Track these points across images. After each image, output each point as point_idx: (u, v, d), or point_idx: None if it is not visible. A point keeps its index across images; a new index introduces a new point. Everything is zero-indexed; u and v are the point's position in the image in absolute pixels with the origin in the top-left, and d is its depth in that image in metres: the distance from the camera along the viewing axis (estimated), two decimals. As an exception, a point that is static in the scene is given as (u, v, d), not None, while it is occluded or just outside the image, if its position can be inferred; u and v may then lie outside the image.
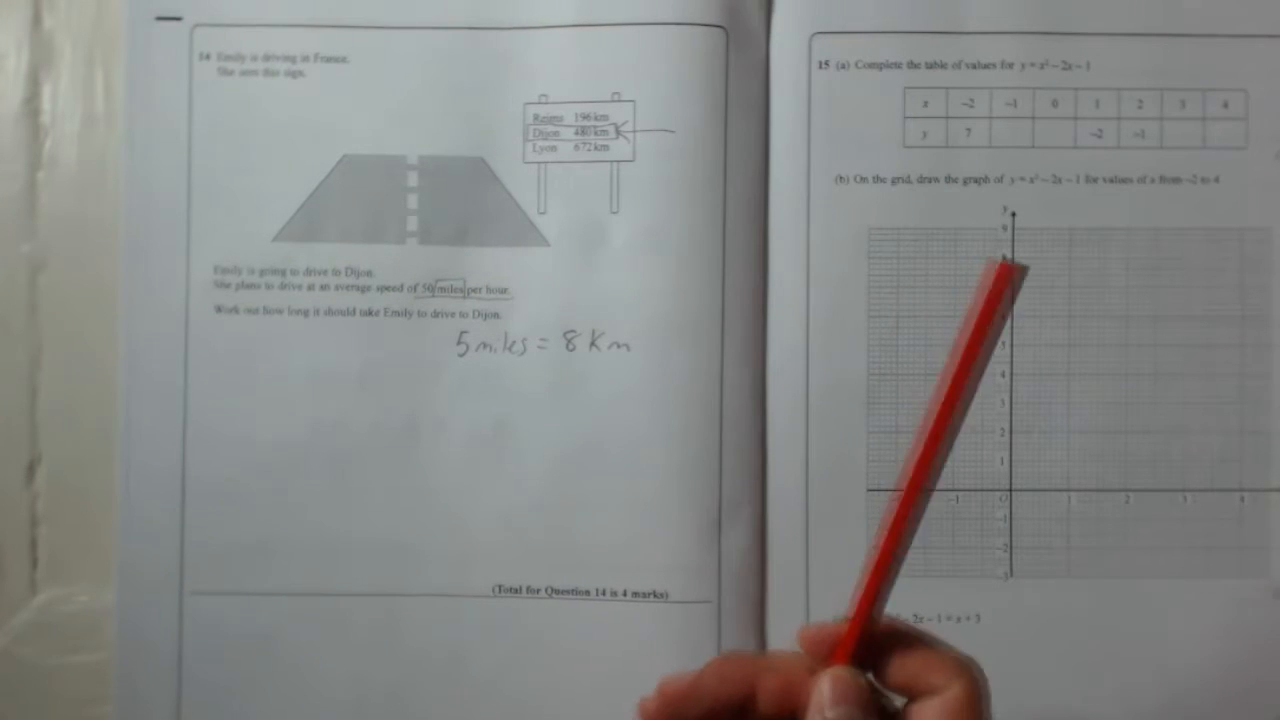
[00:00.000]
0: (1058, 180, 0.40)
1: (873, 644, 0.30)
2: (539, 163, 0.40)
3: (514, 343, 0.40)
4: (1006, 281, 0.30)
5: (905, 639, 0.30)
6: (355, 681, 0.39)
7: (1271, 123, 0.40)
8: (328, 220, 0.40)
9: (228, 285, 0.40)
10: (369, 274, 0.40)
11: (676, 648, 0.39)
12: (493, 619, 0.40)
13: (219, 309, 0.40)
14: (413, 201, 0.40)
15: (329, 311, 0.40)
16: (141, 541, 0.40)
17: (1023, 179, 0.40)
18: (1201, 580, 0.40)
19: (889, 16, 0.40)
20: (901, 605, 0.40)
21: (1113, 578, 0.40)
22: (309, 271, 0.40)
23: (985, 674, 0.29)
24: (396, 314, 0.40)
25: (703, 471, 0.39)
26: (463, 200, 0.40)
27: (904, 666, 0.30)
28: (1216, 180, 0.40)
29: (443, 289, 0.40)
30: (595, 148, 0.40)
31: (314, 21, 0.40)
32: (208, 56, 0.40)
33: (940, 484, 0.40)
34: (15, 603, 0.41)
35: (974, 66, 0.40)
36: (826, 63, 0.40)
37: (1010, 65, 0.40)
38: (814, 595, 0.40)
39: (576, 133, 0.40)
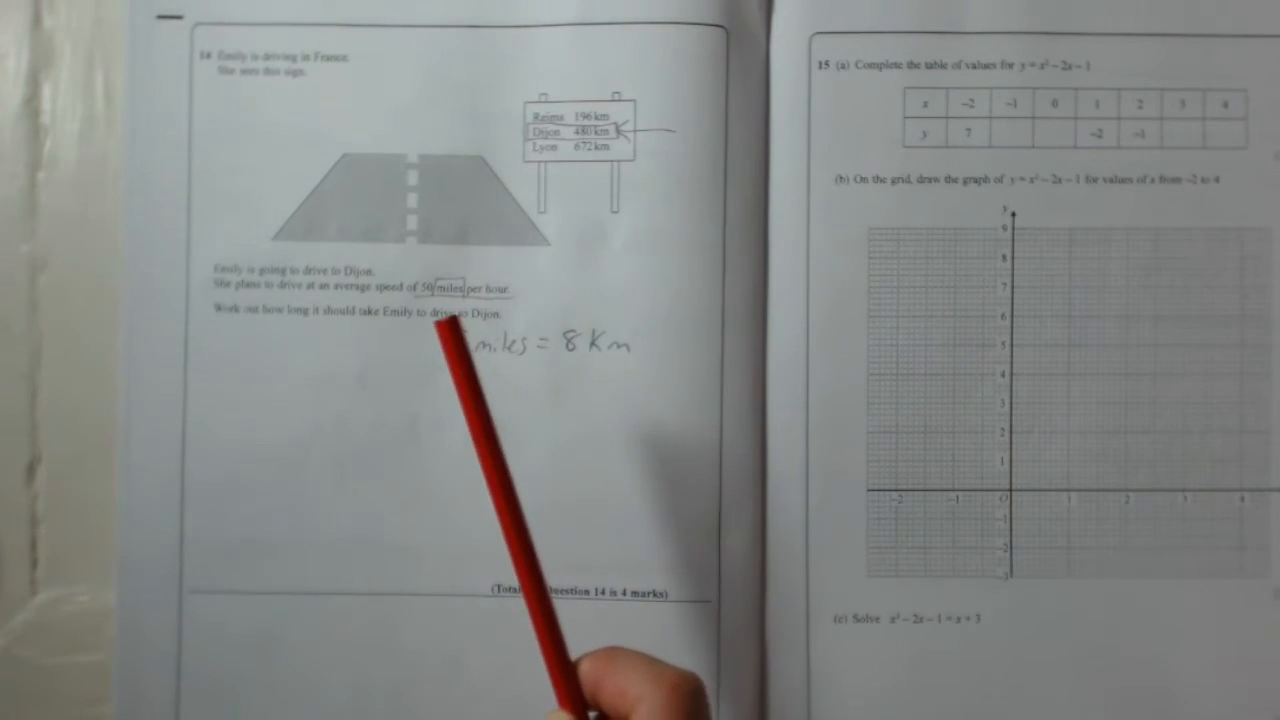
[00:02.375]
0: (1058, 180, 0.40)
1: (587, 677, 0.32)
2: (539, 162, 0.40)
3: (514, 342, 0.40)
4: (452, 334, 0.32)
5: (613, 666, 0.32)
6: (354, 681, 0.39)
7: (1271, 123, 0.40)
8: (327, 219, 0.40)
9: (228, 284, 0.40)
10: (369, 273, 0.40)
11: (676, 648, 0.39)
12: (492, 619, 0.40)
13: (219, 308, 0.40)
14: (412, 200, 0.40)
15: (329, 310, 0.40)
16: (141, 541, 0.40)
17: (1023, 179, 0.40)
18: (1201, 580, 0.40)
19: (889, 16, 0.40)
20: (902, 605, 0.40)
21: (1113, 578, 0.40)
22: (309, 270, 0.40)
23: (694, 680, 0.31)
24: (396, 313, 0.40)
25: (703, 471, 0.39)
26: (462, 199, 0.40)
27: (609, 692, 0.32)
28: (1216, 180, 0.40)
29: (442, 288, 0.40)
30: (595, 147, 0.40)
31: (314, 20, 0.40)
32: (208, 55, 0.40)
33: (940, 484, 0.40)
34: (15, 603, 0.41)
35: (974, 66, 0.40)
36: (826, 63, 0.40)
37: (1010, 65, 0.40)
38: (814, 595, 0.40)
39: (577, 132, 0.40)
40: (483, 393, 0.33)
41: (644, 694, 0.30)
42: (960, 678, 0.40)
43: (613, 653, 0.32)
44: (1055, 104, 0.40)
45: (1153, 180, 0.40)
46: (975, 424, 0.40)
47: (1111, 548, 0.40)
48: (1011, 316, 0.40)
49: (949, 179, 0.40)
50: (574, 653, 0.33)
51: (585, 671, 0.32)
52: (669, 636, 0.39)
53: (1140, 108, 0.40)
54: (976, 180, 0.40)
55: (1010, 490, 0.40)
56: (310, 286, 0.40)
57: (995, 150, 0.40)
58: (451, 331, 0.33)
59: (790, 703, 0.40)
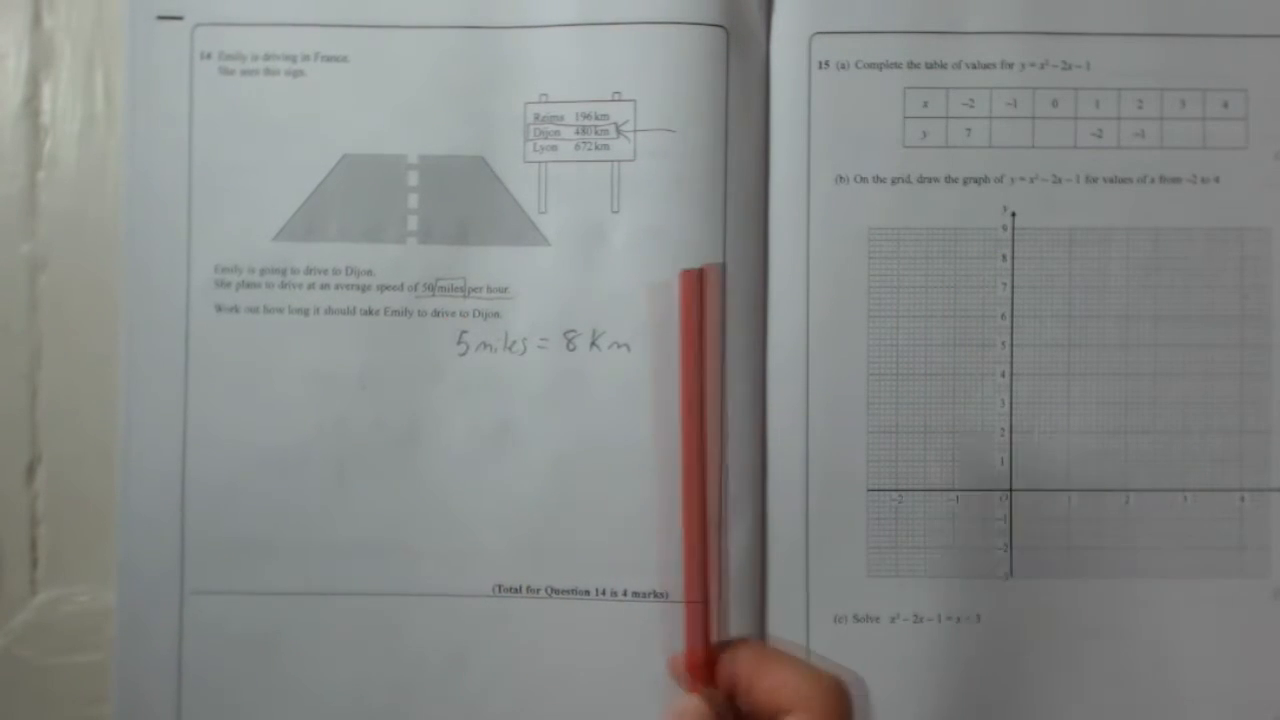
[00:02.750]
0: (1058, 180, 0.40)
1: (741, 668, 0.32)
2: (539, 162, 0.40)
3: (514, 342, 0.40)
4: (697, 285, 0.32)
5: (768, 661, 0.31)
6: (355, 681, 0.39)
7: (1271, 123, 0.40)
8: (328, 220, 0.40)
9: (228, 285, 0.40)
10: (369, 273, 0.40)
11: (677, 648, 0.39)
12: (493, 619, 0.40)
13: (219, 308, 0.40)
14: (413, 201, 0.40)
15: (329, 311, 0.40)
16: (141, 541, 0.40)
17: (1023, 179, 0.40)
18: (1201, 580, 0.40)
19: (889, 16, 0.40)
20: (902, 605, 0.40)
21: (1113, 578, 0.40)
22: (309, 271, 0.40)
23: (846, 692, 0.30)
24: (397, 313, 0.40)
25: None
26: (463, 200, 0.40)
27: (761, 689, 0.31)
28: (1216, 180, 0.40)
29: (443, 288, 0.40)
30: (596, 147, 0.40)
31: (315, 21, 0.40)
32: (209, 56, 0.40)
33: (940, 484, 0.40)
34: (15, 603, 0.41)
35: (974, 66, 0.40)
36: (826, 63, 0.40)
37: (1010, 65, 0.40)
38: (814, 595, 0.40)
39: (577, 132, 0.40)
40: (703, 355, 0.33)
41: (807, 696, 0.30)
42: (960, 678, 0.40)
43: (762, 650, 0.32)
44: (1055, 104, 0.40)
45: (1153, 180, 0.40)
46: (975, 424, 0.40)
47: (1111, 548, 0.40)
48: (1011, 316, 0.40)
49: (949, 179, 0.40)
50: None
51: (736, 665, 0.32)
52: (669, 636, 0.39)
53: (1140, 108, 0.40)
54: (976, 180, 0.40)
55: (1010, 490, 0.40)
56: (311, 287, 0.40)
57: (995, 150, 0.40)
58: (698, 284, 0.32)
59: (790, 703, 0.40)
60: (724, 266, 0.40)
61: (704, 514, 0.33)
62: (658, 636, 0.39)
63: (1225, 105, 0.40)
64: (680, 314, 0.33)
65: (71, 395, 0.41)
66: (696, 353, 0.32)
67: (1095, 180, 0.40)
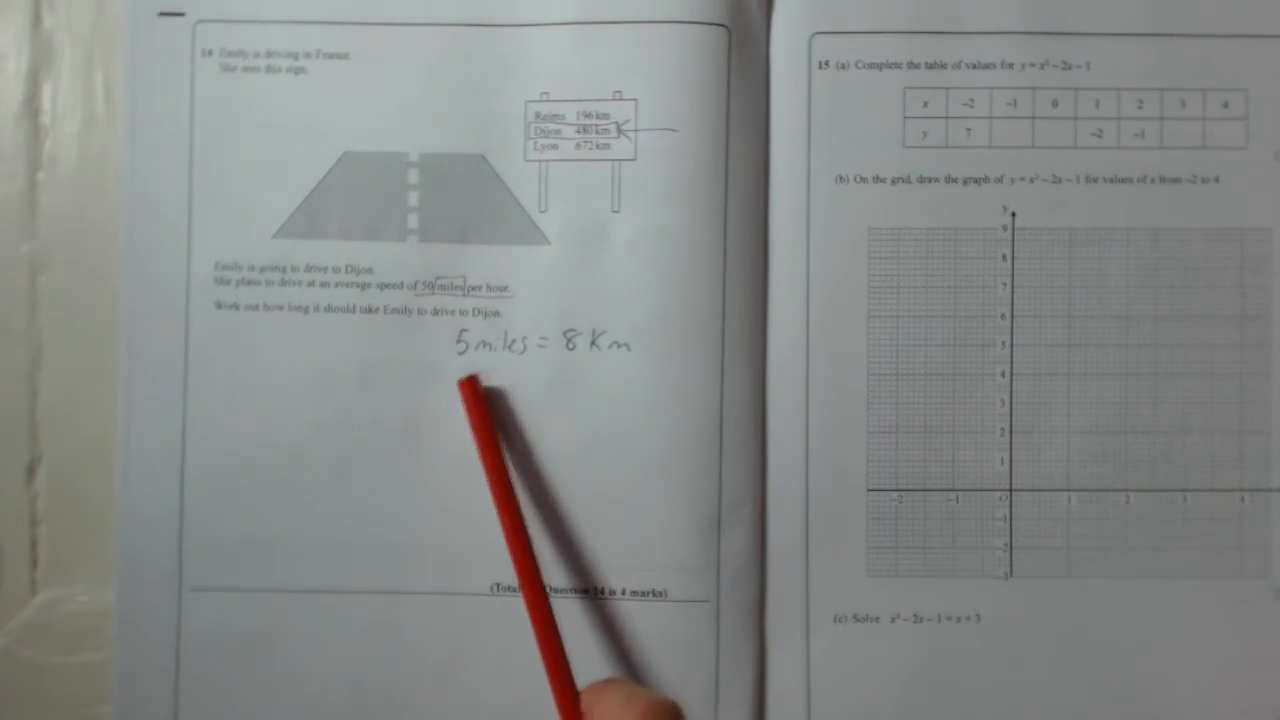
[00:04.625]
0: (1058, 180, 0.40)
1: (585, 708, 0.35)
2: (540, 161, 0.40)
3: (514, 341, 0.40)
4: (475, 393, 0.37)
5: (601, 695, 0.34)
6: (354, 680, 0.39)
7: (1271, 123, 0.40)
8: (328, 217, 0.40)
9: (228, 282, 0.40)
10: (369, 271, 0.40)
11: (676, 647, 0.39)
12: (491, 618, 0.40)
13: (219, 305, 0.40)
14: (413, 199, 0.40)
15: (329, 308, 0.40)
16: (141, 541, 0.40)
17: (1023, 179, 0.40)
18: (1201, 580, 0.40)
19: (889, 16, 0.40)
20: (902, 605, 0.40)
21: (1113, 578, 0.40)
22: (309, 268, 0.40)
23: (665, 706, 0.33)
24: (396, 311, 0.40)
25: (703, 471, 0.39)
26: (463, 198, 0.40)
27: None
28: (1216, 180, 0.40)
29: (443, 287, 0.40)
30: (597, 146, 0.40)
31: (316, 18, 0.40)
32: (210, 53, 0.40)
33: (940, 484, 0.40)
34: (15, 603, 0.41)
35: (974, 66, 0.40)
36: (826, 63, 0.40)
37: (1010, 65, 0.40)
38: (814, 595, 0.40)
39: (578, 131, 0.40)
40: (501, 448, 0.37)
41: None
42: (960, 678, 0.40)
43: (607, 683, 0.34)
44: (1055, 104, 0.40)
45: (1153, 180, 0.40)
46: (975, 424, 0.40)
47: (1111, 548, 0.40)
48: (1011, 316, 0.40)
49: (949, 179, 0.40)
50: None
51: (582, 701, 0.35)
52: (669, 636, 0.39)
53: (1140, 108, 0.40)
54: (976, 180, 0.40)
55: (1010, 490, 0.40)
56: (311, 284, 0.40)
57: (995, 150, 0.40)
58: (473, 390, 0.36)
59: (790, 703, 0.40)
60: (723, 267, 0.40)
61: (553, 625, 0.36)
62: (657, 636, 0.39)
63: (1225, 105, 0.40)
64: (470, 420, 0.36)
65: (71, 395, 0.41)
66: (497, 452, 0.36)
67: (1095, 180, 0.40)
